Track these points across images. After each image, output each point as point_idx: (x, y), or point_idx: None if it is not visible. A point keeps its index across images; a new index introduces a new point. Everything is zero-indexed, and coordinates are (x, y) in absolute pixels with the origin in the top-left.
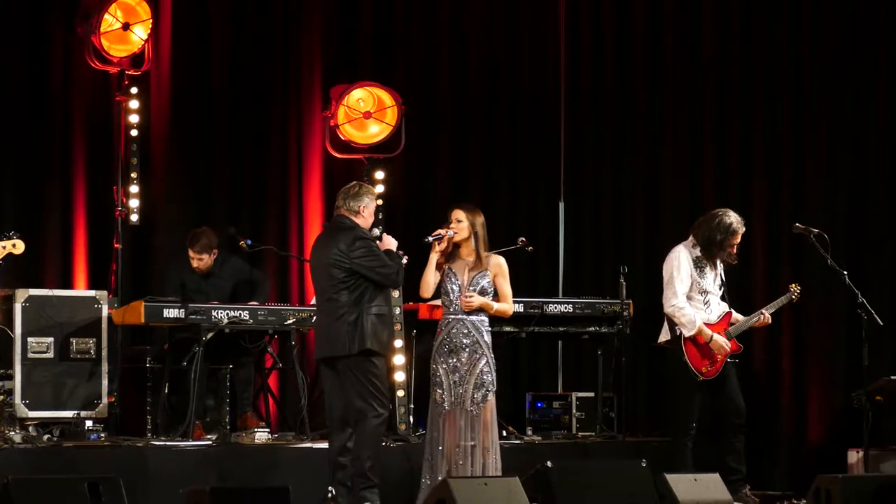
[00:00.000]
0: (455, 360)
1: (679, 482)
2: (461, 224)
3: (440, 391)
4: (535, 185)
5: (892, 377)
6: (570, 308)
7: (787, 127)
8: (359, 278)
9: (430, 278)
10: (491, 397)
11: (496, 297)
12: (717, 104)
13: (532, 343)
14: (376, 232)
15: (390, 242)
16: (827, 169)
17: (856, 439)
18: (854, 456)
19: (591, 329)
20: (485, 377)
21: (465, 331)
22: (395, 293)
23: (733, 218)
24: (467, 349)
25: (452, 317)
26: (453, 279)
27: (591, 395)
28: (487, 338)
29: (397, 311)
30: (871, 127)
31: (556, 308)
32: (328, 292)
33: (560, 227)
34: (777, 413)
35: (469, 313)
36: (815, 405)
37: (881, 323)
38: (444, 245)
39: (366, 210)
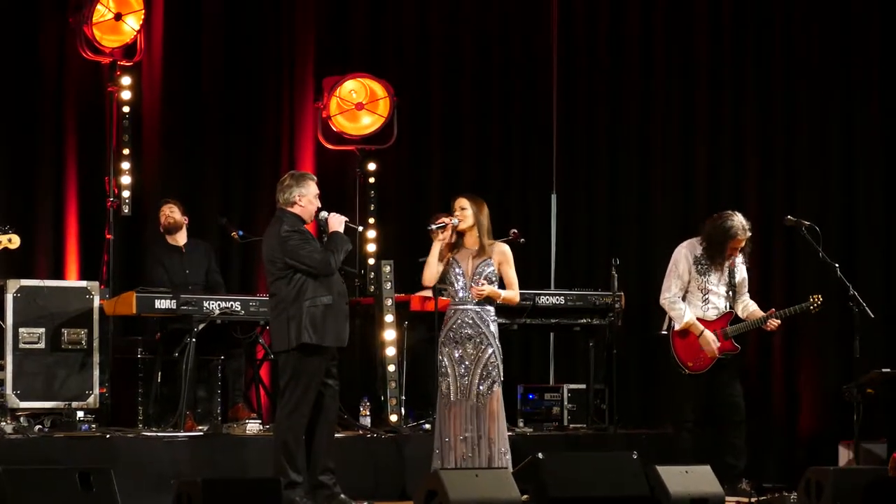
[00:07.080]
0: (461, 352)
1: (670, 474)
2: (465, 212)
3: (446, 382)
4: (527, 176)
5: (884, 370)
6: (561, 300)
7: (780, 114)
8: (295, 272)
9: (434, 268)
10: (497, 388)
11: (501, 285)
12: (710, 95)
13: (524, 335)
14: (324, 215)
15: (335, 222)
16: (819, 159)
17: (847, 432)
18: (845, 449)
19: (582, 321)
20: (490, 368)
21: (470, 321)
22: (388, 285)
23: (736, 222)
24: (472, 340)
25: (458, 307)
26: (457, 268)
27: (583, 386)
28: (493, 328)
29: (389, 302)
30: (863, 117)
31: (547, 300)
32: (270, 288)
33: (552, 219)
34: (769, 405)
35: (475, 303)
36: (807, 398)
37: (872, 316)
38: (447, 234)
39: (302, 199)
